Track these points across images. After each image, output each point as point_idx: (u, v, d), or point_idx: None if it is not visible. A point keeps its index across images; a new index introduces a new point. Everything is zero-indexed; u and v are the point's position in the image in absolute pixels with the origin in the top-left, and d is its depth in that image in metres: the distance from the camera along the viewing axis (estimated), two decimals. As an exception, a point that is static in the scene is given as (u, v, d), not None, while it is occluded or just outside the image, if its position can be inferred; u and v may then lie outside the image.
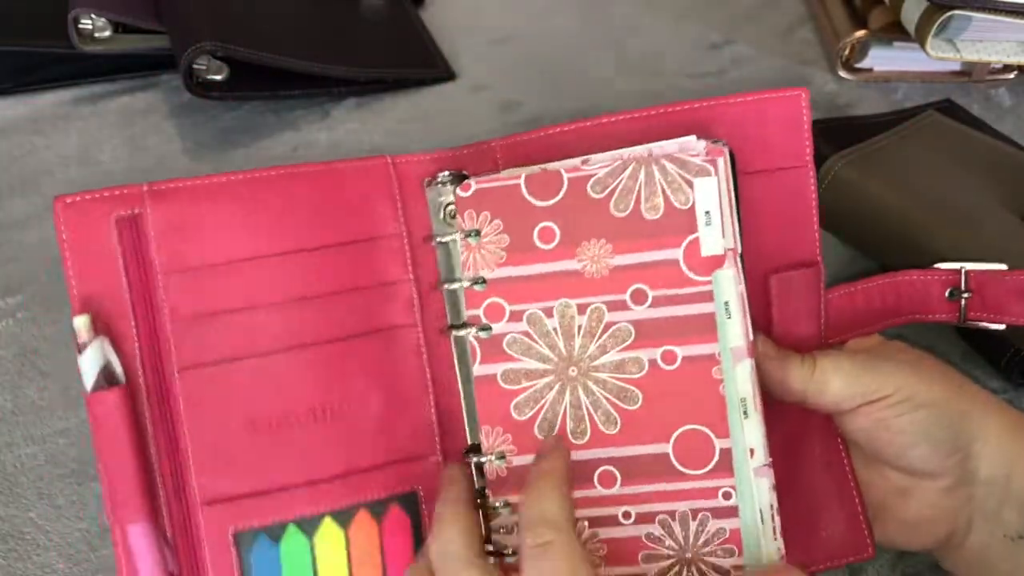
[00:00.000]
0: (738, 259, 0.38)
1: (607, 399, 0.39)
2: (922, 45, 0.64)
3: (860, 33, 0.70)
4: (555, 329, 0.39)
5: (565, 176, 0.39)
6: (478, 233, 0.40)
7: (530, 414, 0.39)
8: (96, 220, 0.39)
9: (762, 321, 0.40)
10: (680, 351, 0.38)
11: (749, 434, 0.38)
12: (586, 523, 0.39)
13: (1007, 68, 0.71)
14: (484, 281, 0.40)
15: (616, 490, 0.38)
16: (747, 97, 0.41)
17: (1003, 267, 0.42)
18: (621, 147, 0.40)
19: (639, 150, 0.39)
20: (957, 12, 0.62)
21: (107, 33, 0.62)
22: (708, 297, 0.38)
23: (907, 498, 0.40)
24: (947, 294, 0.43)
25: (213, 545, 0.38)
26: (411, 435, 0.41)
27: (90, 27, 0.61)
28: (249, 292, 0.40)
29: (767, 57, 0.74)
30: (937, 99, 0.70)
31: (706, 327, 0.38)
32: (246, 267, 0.40)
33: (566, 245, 0.39)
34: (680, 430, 0.38)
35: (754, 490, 0.38)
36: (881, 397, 0.38)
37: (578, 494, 0.38)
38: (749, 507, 0.38)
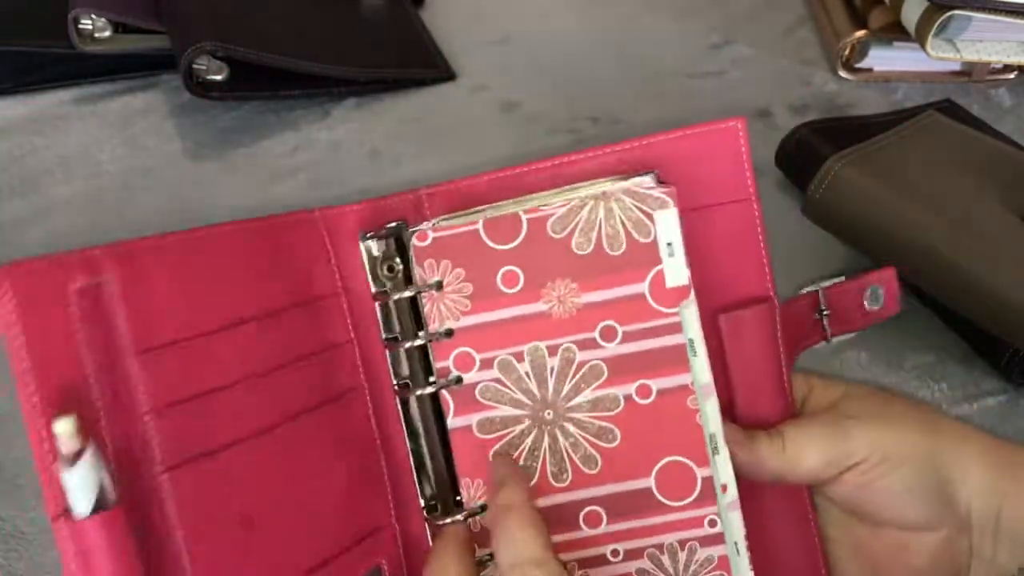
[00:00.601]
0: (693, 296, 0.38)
1: (585, 439, 0.38)
2: (922, 45, 0.64)
3: (860, 33, 0.70)
4: (527, 373, 0.39)
5: (524, 218, 0.38)
6: (440, 284, 0.39)
7: None
8: (52, 292, 0.31)
9: (715, 363, 0.39)
10: (654, 384, 0.38)
11: (721, 470, 0.38)
12: (575, 565, 0.38)
13: (1007, 68, 0.71)
14: (451, 332, 0.39)
15: (603, 529, 0.38)
16: (685, 132, 0.40)
17: (842, 279, 0.44)
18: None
19: (594, 191, 0.38)
20: (957, 12, 0.62)
21: (107, 33, 0.62)
22: (677, 328, 0.38)
23: (908, 551, 0.39)
24: (815, 316, 0.43)
25: None
26: (371, 506, 0.39)
27: (90, 27, 0.61)
28: (222, 368, 0.34)
29: (767, 57, 0.74)
30: (937, 99, 0.70)
31: (678, 358, 0.38)
32: (215, 339, 0.35)
33: (531, 288, 0.38)
34: (661, 463, 0.38)
35: (732, 524, 0.38)
36: (857, 462, 0.38)
37: (565, 536, 0.38)
38: (728, 539, 0.38)
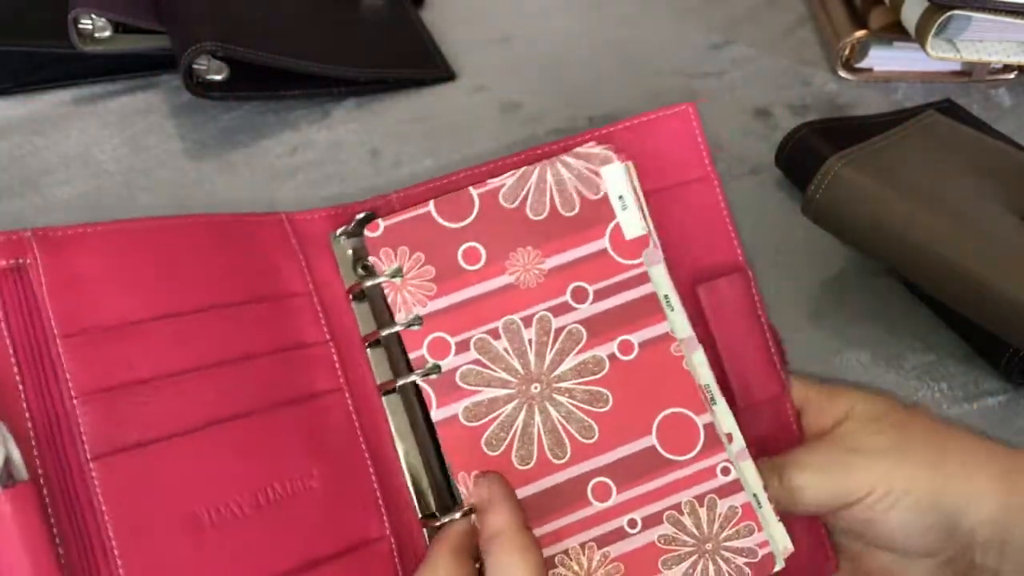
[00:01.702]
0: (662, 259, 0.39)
1: (577, 407, 0.37)
2: (922, 45, 0.64)
3: (860, 33, 0.70)
4: (506, 350, 0.38)
5: (474, 193, 0.38)
6: (400, 272, 0.38)
7: (503, 447, 0.37)
8: None
9: (702, 338, 0.39)
10: (634, 338, 0.37)
11: (722, 419, 0.37)
12: (594, 545, 0.36)
13: (1007, 68, 0.71)
14: (420, 319, 0.38)
15: (614, 500, 0.37)
16: (640, 119, 0.42)
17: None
18: None
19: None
20: (957, 12, 0.62)
21: (107, 33, 0.62)
22: (645, 278, 0.38)
23: (908, 568, 0.39)
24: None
25: None
26: (359, 514, 0.36)
27: (90, 27, 0.61)
28: (159, 358, 0.33)
29: (767, 57, 0.74)
30: (937, 99, 0.70)
31: (652, 308, 0.37)
32: (153, 328, 0.33)
33: (494, 261, 0.38)
34: (659, 417, 0.37)
35: (745, 474, 0.37)
36: (860, 498, 0.37)
37: (576, 516, 0.37)
38: (748, 488, 0.37)
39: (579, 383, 0.38)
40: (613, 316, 0.38)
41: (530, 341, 0.38)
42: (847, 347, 0.54)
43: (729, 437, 0.37)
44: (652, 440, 0.37)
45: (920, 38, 0.64)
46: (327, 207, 0.41)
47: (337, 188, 0.61)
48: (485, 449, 0.37)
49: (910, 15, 0.65)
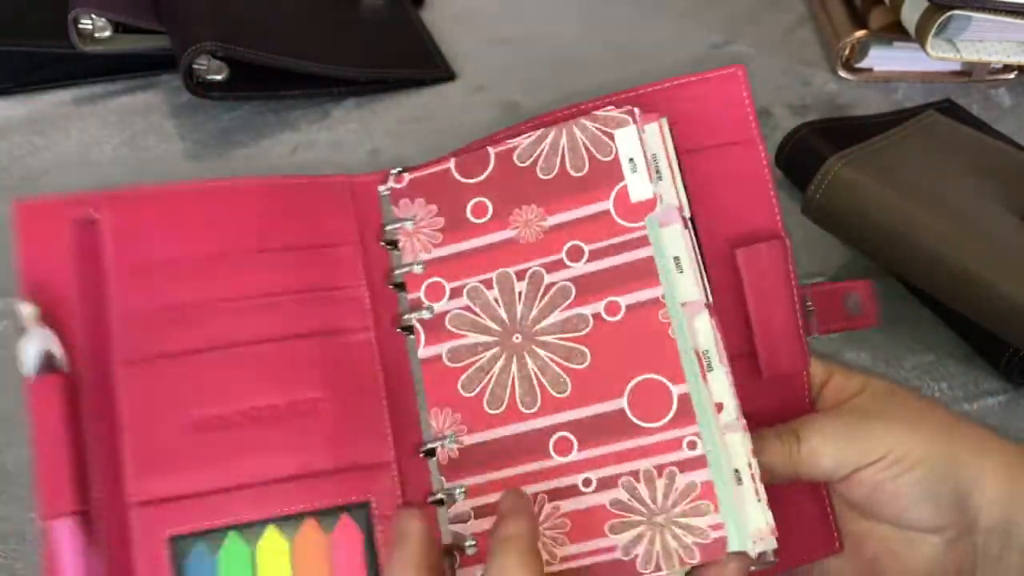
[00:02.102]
0: (686, 220, 0.38)
1: (554, 361, 0.38)
2: (922, 45, 0.64)
3: (860, 33, 0.70)
4: (496, 300, 0.39)
5: (491, 152, 0.40)
6: (414, 219, 0.41)
7: (478, 389, 0.39)
8: (53, 221, 0.39)
9: (736, 301, 0.40)
10: (622, 300, 0.37)
11: (716, 387, 0.36)
12: (545, 497, 0.37)
13: (1007, 68, 0.71)
14: (423, 264, 0.40)
15: (573, 456, 0.37)
16: (688, 79, 0.42)
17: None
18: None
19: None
20: (957, 12, 0.62)
21: (107, 33, 0.62)
22: (644, 242, 0.37)
23: (910, 550, 0.39)
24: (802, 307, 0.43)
25: (146, 550, 0.36)
26: (365, 440, 0.39)
27: (90, 27, 0.61)
28: (199, 289, 0.39)
29: (767, 57, 0.74)
30: (937, 99, 0.69)
31: (646, 272, 0.37)
32: (197, 265, 0.39)
33: (499, 216, 0.39)
34: (633, 382, 0.37)
35: (732, 447, 0.36)
36: (874, 460, 0.37)
37: (534, 466, 0.37)
38: (723, 463, 0.35)
39: (560, 338, 0.38)
40: (605, 277, 0.38)
41: (520, 293, 0.39)
42: (847, 347, 0.54)
43: (719, 407, 0.36)
44: (622, 403, 0.37)
45: (920, 38, 0.64)
46: (385, 168, 0.44)
47: (337, 188, 0.61)
48: (460, 389, 0.39)
49: (910, 15, 0.65)
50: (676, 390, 0.36)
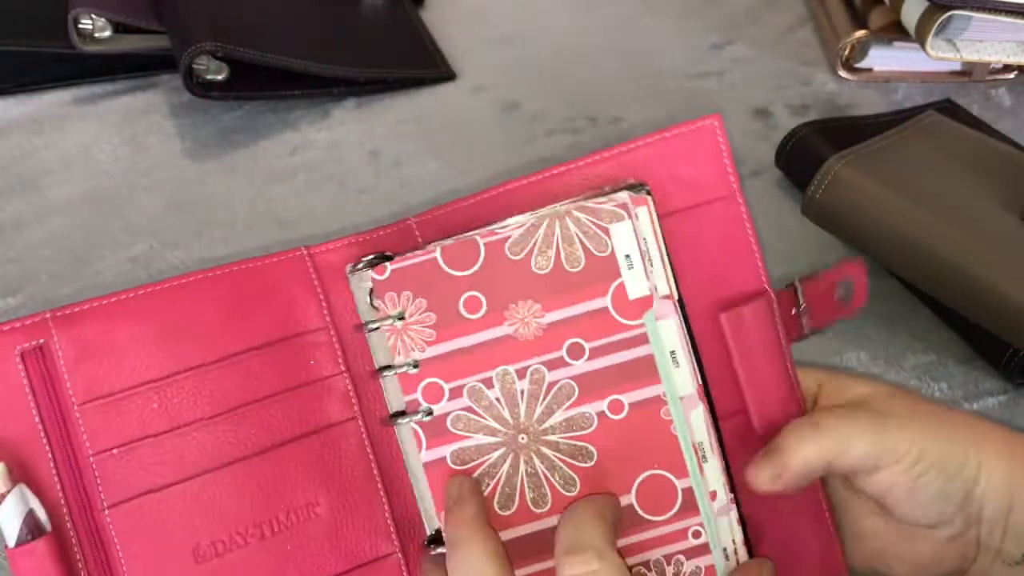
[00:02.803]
0: (677, 306, 0.38)
1: (562, 460, 0.38)
2: (922, 45, 0.64)
3: (860, 33, 0.70)
4: (498, 399, 0.38)
5: (480, 242, 0.38)
6: (402, 316, 0.39)
7: (486, 492, 0.38)
8: (1, 354, 0.36)
9: (724, 363, 0.40)
10: (625, 399, 0.37)
11: (710, 477, 0.38)
12: None
13: (1007, 68, 0.71)
14: (417, 364, 0.38)
15: None
16: (663, 135, 0.40)
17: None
18: (543, 207, 0.39)
19: (560, 207, 0.39)
20: (957, 12, 0.62)
21: (107, 33, 0.62)
22: (644, 340, 0.37)
23: (913, 542, 0.39)
24: (792, 311, 0.42)
25: None
26: (367, 536, 0.39)
27: (90, 27, 0.61)
28: (171, 412, 0.37)
29: (767, 57, 0.74)
30: (937, 99, 0.69)
31: (647, 370, 0.37)
32: (165, 386, 0.37)
33: (494, 311, 0.38)
34: (640, 478, 0.37)
35: (720, 529, 0.38)
36: (896, 460, 0.37)
37: (548, 564, 0.37)
38: (717, 547, 0.38)
39: (565, 437, 0.38)
40: (607, 375, 0.38)
41: (522, 392, 0.38)
42: (847, 347, 0.54)
43: (713, 495, 0.38)
44: (631, 499, 0.38)
45: (920, 38, 0.64)
46: (347, 236, 0.41)
47: (337, 188, 0.61)
48: None
49: (910, 15, 0.65)
50: (680, 484, 0.37)
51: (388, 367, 0.39)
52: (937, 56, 0.65)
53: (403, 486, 0.40)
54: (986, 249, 0.48)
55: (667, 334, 0.38)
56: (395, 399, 0.40)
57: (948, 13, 0.62)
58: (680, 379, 0.38)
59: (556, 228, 0.38)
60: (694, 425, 0.38)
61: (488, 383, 0.38)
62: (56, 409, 0.36)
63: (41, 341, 0.37)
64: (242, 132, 0.64)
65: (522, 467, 0.38)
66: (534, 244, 0.38)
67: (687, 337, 0.38)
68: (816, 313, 0.43)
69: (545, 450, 0.38)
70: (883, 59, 0.71)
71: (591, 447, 0.38)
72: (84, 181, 0.60)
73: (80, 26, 0.61)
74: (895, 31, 0.68)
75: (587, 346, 0.38)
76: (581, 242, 0.38)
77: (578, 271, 0.38)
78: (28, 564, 0.35)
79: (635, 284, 0.37)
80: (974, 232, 0.49)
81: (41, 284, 0.55)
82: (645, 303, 0.37)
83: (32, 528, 0.35)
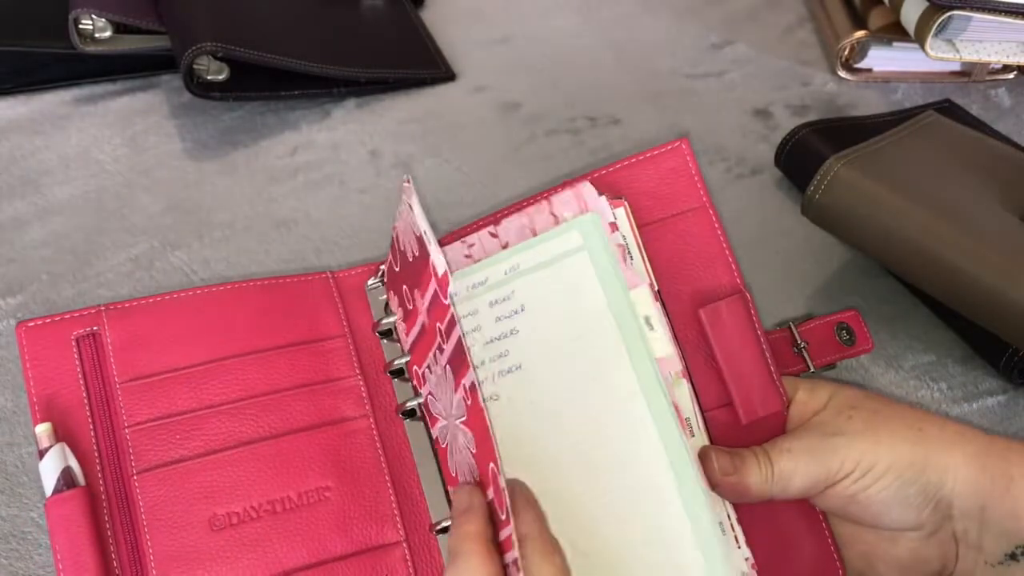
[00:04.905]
0: (655, 291, 0.43)
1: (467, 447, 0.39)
2: (922, 45, 0.64)
3: (860, 33, 0.70)
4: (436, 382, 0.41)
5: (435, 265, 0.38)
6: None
7: None
8: (57, 339, 0.43)
9: (708, 358, 0.43)
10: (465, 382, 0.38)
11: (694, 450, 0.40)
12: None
13: (1007, 68, 0.71)
14: (408, 352, 0.43)
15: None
16: (637, 158, 0.46)
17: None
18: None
19: (543, 207, 0.44)
20: (957, 12, 0.62)
21: (107, 33, 0.62)
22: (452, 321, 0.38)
23: (895, 544, 0.41)
24: (793, 349, 0.47)
25: None
26: (375, 523, 0.42)
27: (90, 27, 0.61)
28: (201, 395, 0.42)
29: (767, 57, 0.74)
30: (937, 99, 0.70)
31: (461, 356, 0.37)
32: (197, 372, 0.43)
33: (417, 304, 0.41)
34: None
35: (712, 503, 0.39)
36: (842, 477, 0.39)
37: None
38: (711, 517, 0.39)
39: (461, 422, 0.39)
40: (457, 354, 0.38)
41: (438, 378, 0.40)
42: (847, 347, 0.54)
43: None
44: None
45: (920, 38, 0.64)
46: (367, 264, 0.48)
47: (337, 189, 0.61)
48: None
49: (910, 15, 0.65)
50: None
51: (397, 359, 0.44)
52: (937, 56, 0.65)
53: (410, 481, 0.43)
54: (986, 249, 0.48)
55: (640, 300, 0.41)
56: (404, 395, 0.44)
57: (948, 13, 0.62)
58: (657, 344, 0.41)
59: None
60: (680, 402, 0.41)
61: (430, 367, 0.41)
62: (101, 386, 0.42)
63: (95, 328, 0.43)
64: (242, 132, 0.64)
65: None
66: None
67: (666, 316, 0.42)
68: (818, 350, 0.47)
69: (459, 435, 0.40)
70: (883, 59, 0.71)
71: (470, 432, 0.38)
72: (84, 181, 0.60)
73: (80, 26, 0.61)
74: (895, 31, 0.68)
75: (441, 327, 0.39)
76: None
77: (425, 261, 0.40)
78: (61, 512, 0.39)
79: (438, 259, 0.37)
80: (974, 232, 0.49)
81: (41, 284, 0.55)
82: (443, 279, 0.37)
83: (68, 482, 0.40)
